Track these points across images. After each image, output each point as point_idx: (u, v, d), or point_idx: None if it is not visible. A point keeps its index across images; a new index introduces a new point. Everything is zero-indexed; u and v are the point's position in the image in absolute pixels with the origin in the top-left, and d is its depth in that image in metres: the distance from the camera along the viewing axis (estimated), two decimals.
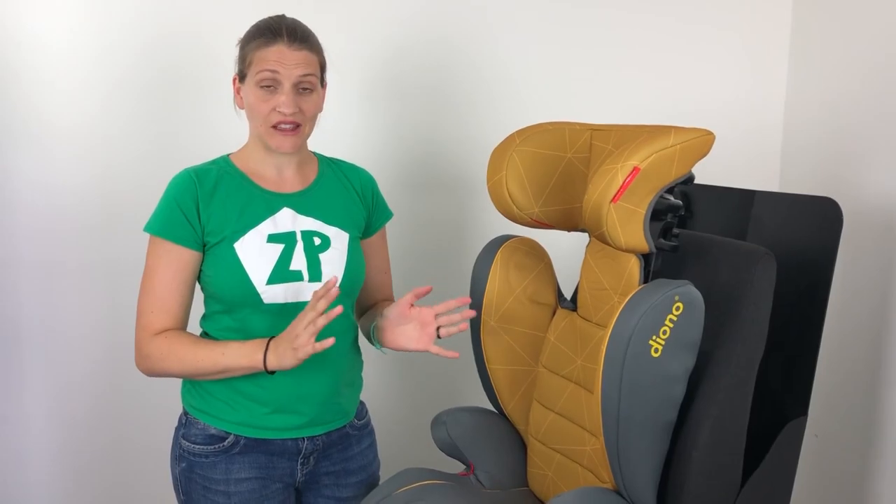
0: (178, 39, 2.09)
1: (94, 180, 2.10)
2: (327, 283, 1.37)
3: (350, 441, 1.61)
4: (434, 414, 1.73)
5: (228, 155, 1.55)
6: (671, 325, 1.31)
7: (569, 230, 1.64)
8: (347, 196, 1.60)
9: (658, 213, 1.39)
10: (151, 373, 1.48)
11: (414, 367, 2.28)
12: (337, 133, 2.15)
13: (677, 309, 1.31)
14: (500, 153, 1.59)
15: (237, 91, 1.50)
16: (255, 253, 1.46)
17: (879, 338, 1.83)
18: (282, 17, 1.48)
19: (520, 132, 1.60)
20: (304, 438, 1.53)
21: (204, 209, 1.46)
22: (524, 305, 1.66)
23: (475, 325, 1.66)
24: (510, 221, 1.70)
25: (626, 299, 1.33)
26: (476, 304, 1.65)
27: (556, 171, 1.59)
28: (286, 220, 1.50)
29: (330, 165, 1.61)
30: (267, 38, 1.44)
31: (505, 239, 1.67)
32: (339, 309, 1.36)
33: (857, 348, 1.87)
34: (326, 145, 1.68)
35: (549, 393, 1.63)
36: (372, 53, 2.16)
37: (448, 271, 2.19)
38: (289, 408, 1.50)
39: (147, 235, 1.47)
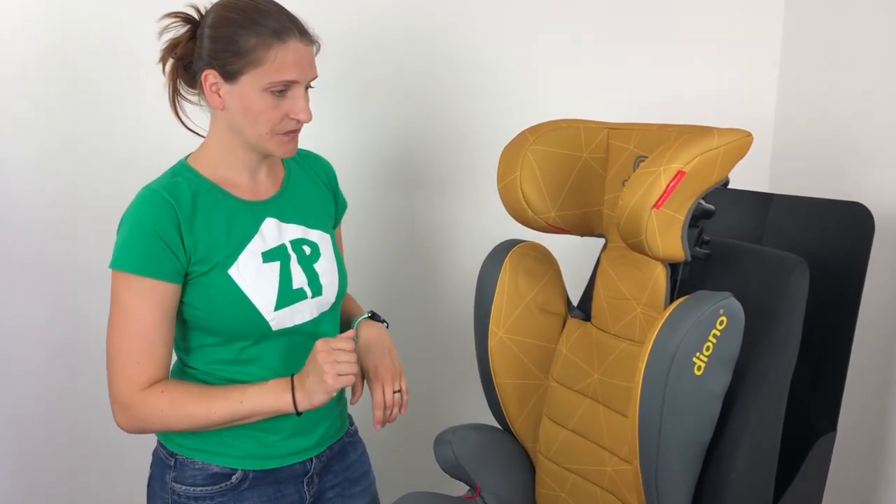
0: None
1: None
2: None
3: (347, 450, 1.49)
4: (432, 432, 1.61)
5: (186, 161, 1.33)
6: (714, 341, 1.23)
7: (583, 235, 1.53)
8: (317, 189, 1.45)
9: (694, 220, 1.30)
10: (141, 430, 1.28)
11: (412, 381, 2.16)
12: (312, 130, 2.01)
13: (721, 323, 1.22)
14: (514, 152, 1.47)
15: (215, 90, 1.25)
16: (253, 277, 1.29)
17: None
18: (270, 1, 1.27)
19: (532, 130, 1.49)
20: (311, 458, 1.40)
21: (188, 235, 1.25)
22: (534, 315, 1.55)
23: (481, 336, 1.55)
24: (502, 223, 1.60)
25: (667, 313, 1.23)
26: (483, 313, 1.53)
27: (572, 172, 1.48)
28: (272, 232, 1.33)
29: (292, 158, 1.41)
30: (276, 32, 1.22)
31: (513, 244, 1.55)
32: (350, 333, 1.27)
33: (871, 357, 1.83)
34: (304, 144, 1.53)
35: (562, 409, 1.52)
36: (348, 47, 2.01)
37: (436, 276, 2.07)
38: (304, 430, 1.36)
39: (108, 271, 1.25)
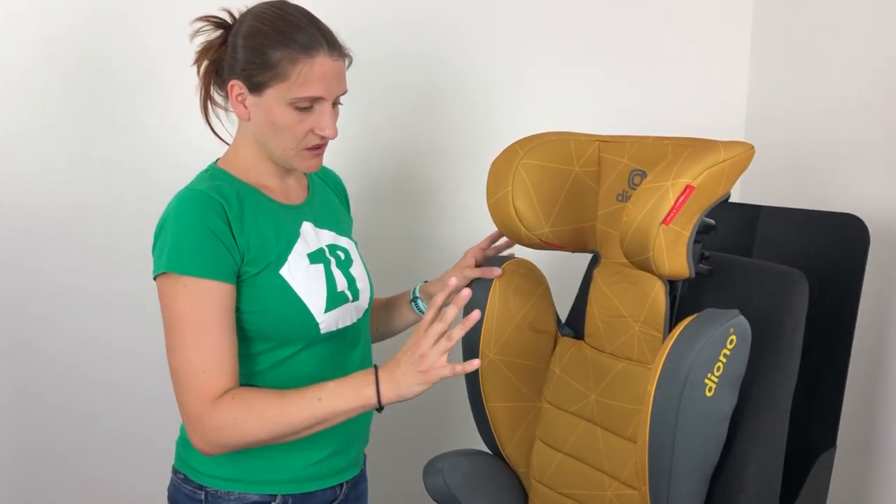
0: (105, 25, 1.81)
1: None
2: (449, 286, 1.18)
3: (358, 478, 1.42)
4: (419, 459, 1.53)
5: (216, 164, 1.28)
6: (724, 361, 1.19)
7: (575, 251, 1.48)
8: (336, 200, 1.45)
9: (697, 235, 1.26)
10: (223, 448, 1.16)
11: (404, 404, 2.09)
12: None
13: (731, 342, 1.19)
14: (504, 166, 1.41)
15: (241, 101, 1.22)
16: (303, 278, 1.23)
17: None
18: (299, 10, 1.21)
19: (522, 143, 1.44)
20: (343, 483, 1.35)
21: (240, 234, 1.18)
22: (525, 334, 1.49)
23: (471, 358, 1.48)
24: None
25: (676, 333, 1.19)
26: (472, 334, 1.47)
27: (564, 186, 1.43)
28: (311, 235, 1.29)
29: None
30: (303, 46, 1.17)
31: (502, 260, 1.49)
32: (476, 314, 1.16)
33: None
34: None
35: (557, 432, 1.47)
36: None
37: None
38: (343, 448, 1.31)
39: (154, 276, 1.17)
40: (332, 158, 1.92)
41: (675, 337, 1.18)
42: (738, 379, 1.23)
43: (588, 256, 1.61)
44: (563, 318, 1.60)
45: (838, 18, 1.80)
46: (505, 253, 1.53)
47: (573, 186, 1.43)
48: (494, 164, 1.43)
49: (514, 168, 1.40)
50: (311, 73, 1.17)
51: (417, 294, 1.51)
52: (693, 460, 1.20)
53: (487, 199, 1.43)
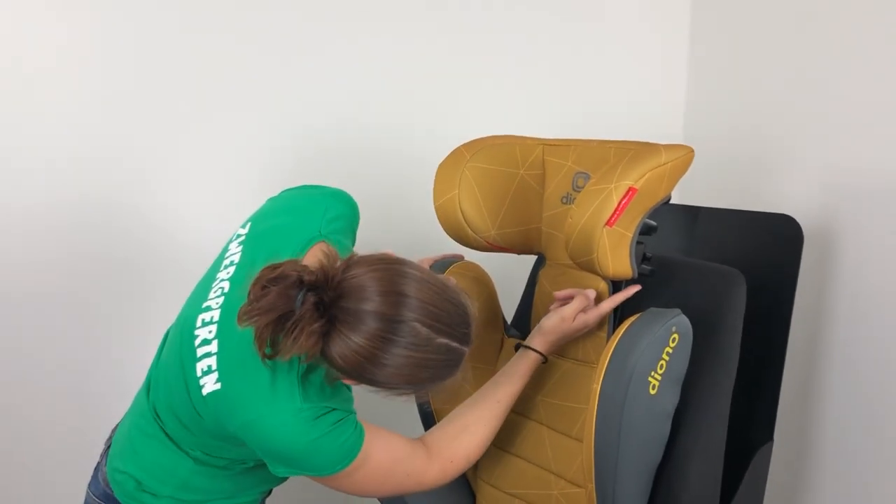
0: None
1: None
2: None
3: None
4: None
5: None
6: (667, 359, 1.22)
7: (521, 253, 1.50)
8: None
9: (639, 236, 1.28)
10: (460, 468, 1.27)
11: None
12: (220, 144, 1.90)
13: (673, 341, 1.22)
14: (450, 169, 1.42)
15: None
16: None
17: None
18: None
19: (468, 146, 1.45)
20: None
21: None
22: None
23: None
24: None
25: (620, 332, 1.21)
26: None
27: (509, 189, 1.44)
28: None
29: None
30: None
31: (448, 264, 1.50)
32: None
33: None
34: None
35: (504, 432, 1.47)
36: (270, 56, 1.91)
37: None
38: None
39: None
40: (267, 156, 1.91)
41: (619, 336, 1.20)
42: (680, 377, 1.26)
43: (533, 258, 1.63)
44: (510, 320, 1.62)
45: (773, 24, 1.85)
46: (452, 256, 1.54)
47: (519, 189, 1.45)
48: (441, 166, 1.44)
49: (460, 171, 1.41)
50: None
51: None
52: (637, 458, 1.22)
53: (434, 202, 1.44)
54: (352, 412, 1.17)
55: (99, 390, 1.91)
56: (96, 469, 1.35)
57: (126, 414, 1.36)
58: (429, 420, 1.51)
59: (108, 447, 1.34)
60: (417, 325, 1.04)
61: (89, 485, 1.35)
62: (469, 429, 1.28)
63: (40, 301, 1.86)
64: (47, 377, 1.89)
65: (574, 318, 1.31)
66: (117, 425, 1.37)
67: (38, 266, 1.84)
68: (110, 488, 1.28)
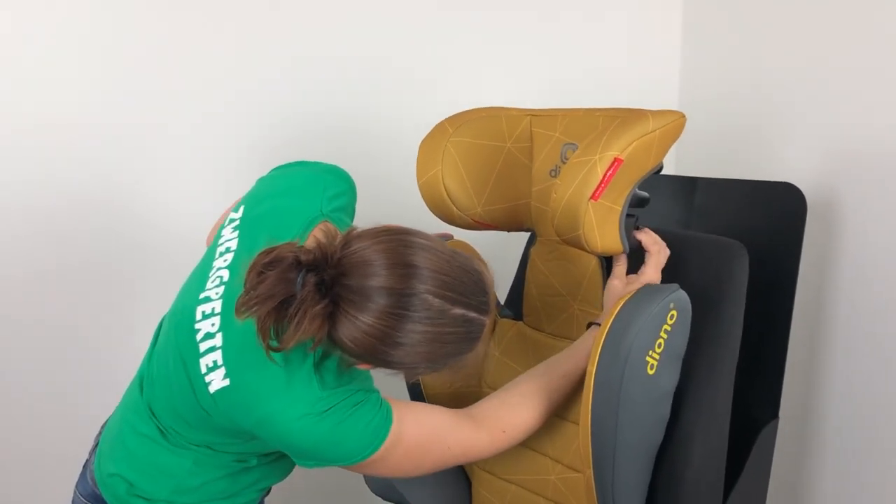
0: None
1: None
2: None
3: None
4: None
5: None
6: (665, 337, 1.16)
7: (510, 230, 1.44)
8: None
9: (630, 209, 1.22)
10: (514, 438, 1.20)
11: None
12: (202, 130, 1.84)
13: (671, 318, 1.16)
14: (433, 145, 1.36)
15: None
16: None
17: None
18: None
19: (451, 120, 1.38)
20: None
21: None
22: None
23: None
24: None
25: (615, 310, 1.15)
26: None
27: (496, 164, 1.38)
28: None
29: None
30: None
31: None
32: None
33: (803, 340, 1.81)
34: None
35: None
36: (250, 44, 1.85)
37: None
38: None
39: None
40: (254, 141, 1.86)
41: (613, 316, 1.14)
42: (679, 355, 1.20)
43: (525, 236, 1.57)
44: (503, 300, 1.56)
45: None
46: (440, 235, 1.48)
47: (506, 163, 1.38)
48: (423, 142, 1.38)
49: (443, 146, 1.35)
50: None
51: None
52: (637, 440, 1.17)
53: (418, 180, 1.37)
54: (373, 391, 1.10)
55: (85, 385, 1.86)
56: (84, 467, 1.30)
57: (116, 411, 1.30)
58: (416, 390, 1.46)
59: (97, 444, 1.29)
60: (430, 297, 0.97)
61: (77, 484, 1.30)
62: (528, 399, 1.20)
63: (24, 296, 1.81)
64: (33, 373, 1.84)
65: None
66: (105, 422, 1.32)
67: (23, 260, 1.79)
68: (99, 489, 1.23)
